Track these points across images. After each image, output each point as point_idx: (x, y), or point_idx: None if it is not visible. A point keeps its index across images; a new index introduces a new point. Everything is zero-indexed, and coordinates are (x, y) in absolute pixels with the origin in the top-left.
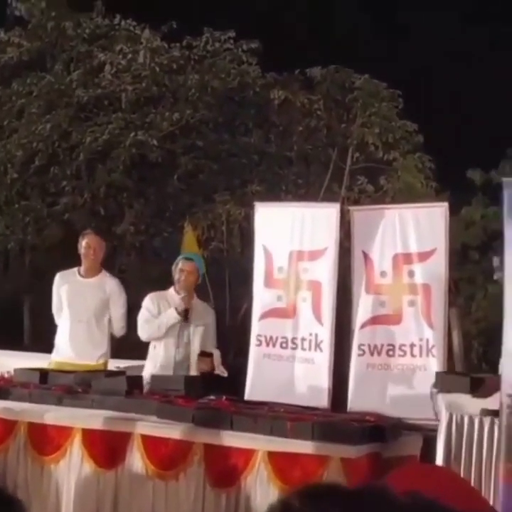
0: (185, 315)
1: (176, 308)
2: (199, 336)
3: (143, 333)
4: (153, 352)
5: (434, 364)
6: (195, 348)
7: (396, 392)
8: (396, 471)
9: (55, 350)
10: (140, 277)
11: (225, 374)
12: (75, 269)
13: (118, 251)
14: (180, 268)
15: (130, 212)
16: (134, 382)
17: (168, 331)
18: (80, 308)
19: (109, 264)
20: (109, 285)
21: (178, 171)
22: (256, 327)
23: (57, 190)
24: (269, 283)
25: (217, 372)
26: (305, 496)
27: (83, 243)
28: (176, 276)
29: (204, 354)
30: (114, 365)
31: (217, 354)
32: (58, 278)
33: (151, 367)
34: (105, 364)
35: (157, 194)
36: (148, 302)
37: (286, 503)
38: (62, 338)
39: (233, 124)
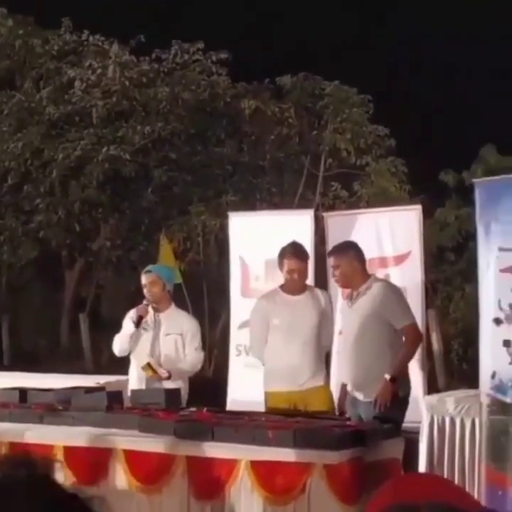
0: (138, 323)
1: (132, 318)
2: (168, 345)
3: (114, 348)
4: (131, 366)
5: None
6: (164, 358)
7: None
8: (386, 484)
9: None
10: (117, 291)
11: (165, 375)
12: (276, 288)
13: (94, 266)
14: (143, 283)
15: (105, 227)
16: (115, 397)
17: (142, 343)
18: (297, 327)
19: (86, 279)
20: (321, 299)
21: (152, 184)
22: (235, 337)
23: (32, 207)
24: (246, 292)
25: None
26: None
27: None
28: (144, 291)
29: (150, 366)
30: (94, 381)
31: (186, 370)
32: (265, 303)
33: (131, 381)
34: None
35: (132, 208)
36: (125, 319)
37: None
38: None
39: (205, 135)
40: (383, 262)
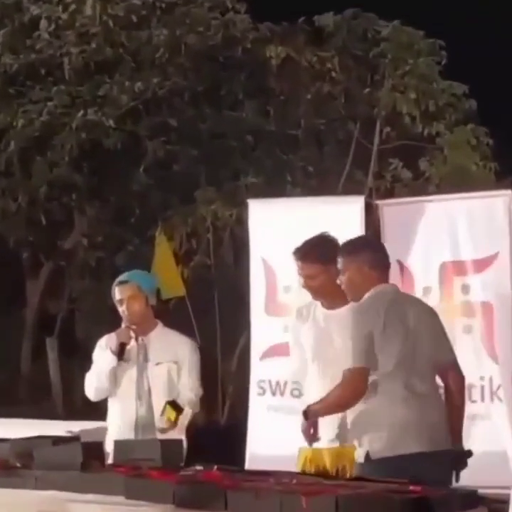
0: (120, 352)
1: (111, 347)
2: (162, 378)
3: (87, 390)
4: (111, 410)
5: (503, 411)
6: (158, 396)
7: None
8: None
9: None
10: (97, 307)
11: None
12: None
13: (67, 273)
14: (117, 299)
15: (81, 219)
16: (92, 450)
17: (123, 378)
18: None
19: (55, 290)
20: None
21: (145, 160)
22: (257, 370)
23: None
24: (272, 308)
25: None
26: None
27: None
28: (119, 309)
29: (174, 405)
30: (65, 428)
31: (186, 413)
32: (296, 317)
33: (111, 430)
34: None
35: (117, 193)
36: (96, 350)
37: None
38: None
39: (217, 94)
40: (460, 268)
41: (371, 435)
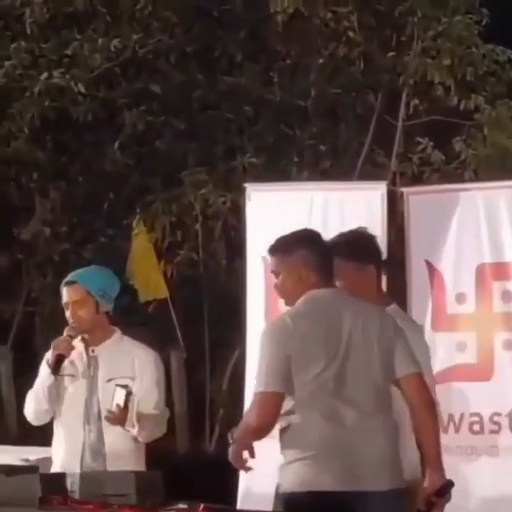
0: (56, 367)
1: (47, 360)
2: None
3: (26, 411)
4: (56, 436)
5: None
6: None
7: (486, 492)
8: None
9: None
10: (60, 312)
11: (134, 431)
12: None
13: (25, 268)
14: (63, 302)
15: (44, 203)
16: (53, 483)
17: (69, 398)
18: None
19: (10, 289)
20: None
21: (122, 134)
22: (253, 389)
23: None
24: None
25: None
26: None
27: None
28: (66, 314)
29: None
30: (20, 456)
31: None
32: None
33: (55, 459)
34: None
35: (87, 174)
36: (42, 364)
37: None
38: None
39: (210, 55)
40: (501, 271)
41: (281, 467)
